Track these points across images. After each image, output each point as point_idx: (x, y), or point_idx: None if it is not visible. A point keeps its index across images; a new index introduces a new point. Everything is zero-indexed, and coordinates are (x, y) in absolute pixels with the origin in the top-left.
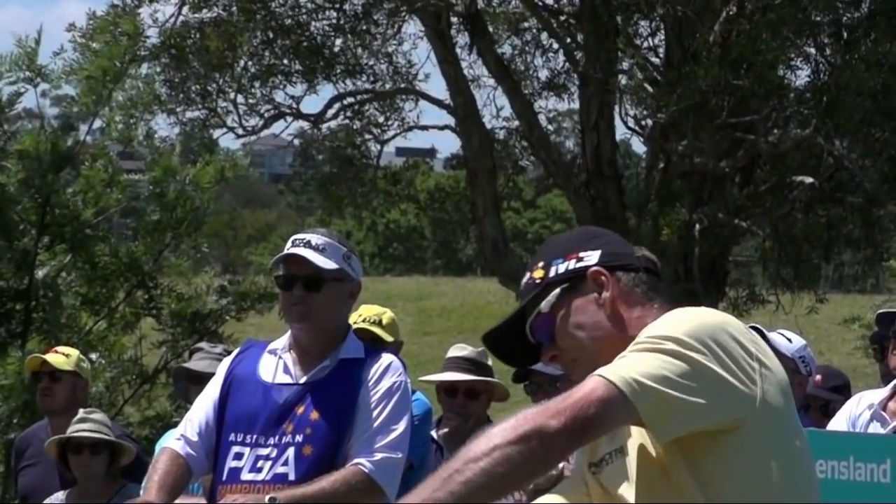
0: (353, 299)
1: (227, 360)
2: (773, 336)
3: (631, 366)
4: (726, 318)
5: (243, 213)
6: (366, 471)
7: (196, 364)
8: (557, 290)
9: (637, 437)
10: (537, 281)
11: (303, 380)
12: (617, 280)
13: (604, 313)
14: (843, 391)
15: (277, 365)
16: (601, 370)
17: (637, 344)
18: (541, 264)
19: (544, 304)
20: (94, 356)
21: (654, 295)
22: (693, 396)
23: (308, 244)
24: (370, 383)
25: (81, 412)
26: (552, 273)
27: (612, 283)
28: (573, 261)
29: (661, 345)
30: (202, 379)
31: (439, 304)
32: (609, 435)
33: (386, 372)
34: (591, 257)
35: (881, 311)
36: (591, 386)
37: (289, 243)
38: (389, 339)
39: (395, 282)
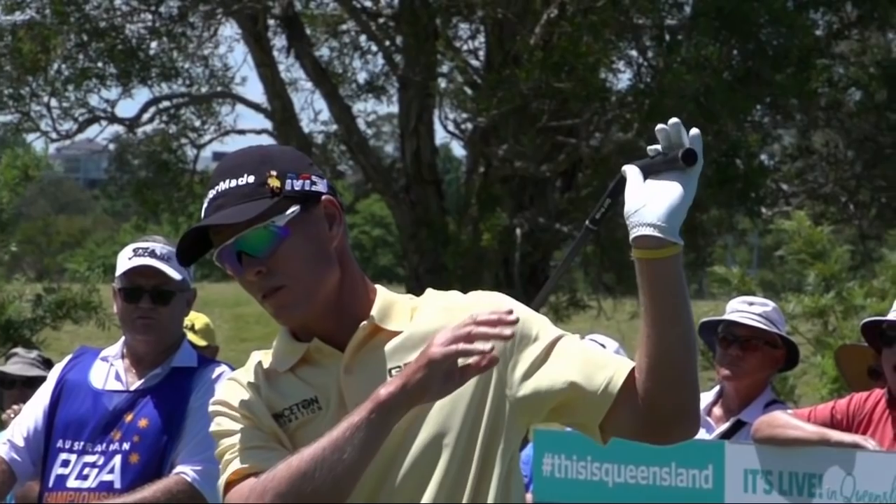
0: (190, 307)
1: (58, 366)
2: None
3: None
4: None
5: (58, 219)
6: (188, 479)
7: (9, 367)
8: (297, 208)
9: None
10: (275, 190)
11: (134, 387)
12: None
13: (332, 247)
14: None
15: (109, 372)
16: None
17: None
18: (274, 173)
19: (280, 218)
20: None
21: None
22: None
23: (153, 254)
24: (201, 392)
25: None
26: (288, 187)
27: (341, 218)
28: (308, 181)
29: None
30: (14, 382)
31: (256, 311)
32: (289, 388)
33: (217, 381)
34: (321, 184)
35: (704, 320)
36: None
37: (129, 252)
38: (202, 342)
39: (211, 288)
